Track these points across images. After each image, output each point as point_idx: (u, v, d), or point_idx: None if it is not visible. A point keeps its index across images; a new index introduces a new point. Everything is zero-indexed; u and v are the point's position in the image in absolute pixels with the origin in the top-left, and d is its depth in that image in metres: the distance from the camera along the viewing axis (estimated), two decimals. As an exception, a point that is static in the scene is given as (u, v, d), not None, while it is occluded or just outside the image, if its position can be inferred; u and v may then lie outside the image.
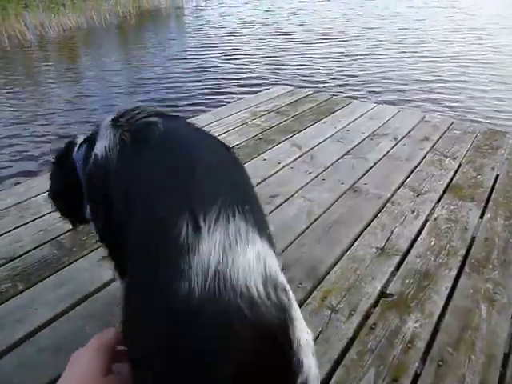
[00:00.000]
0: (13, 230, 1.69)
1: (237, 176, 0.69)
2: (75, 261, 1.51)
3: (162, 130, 0.73)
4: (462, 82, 5.33)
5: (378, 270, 1.47)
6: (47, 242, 1.61)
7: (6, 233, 1.67)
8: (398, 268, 1.49)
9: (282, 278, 0.51)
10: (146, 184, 0.64)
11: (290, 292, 0.51)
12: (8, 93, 5.17)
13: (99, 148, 0.79)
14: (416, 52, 6.78)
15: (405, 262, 1.52)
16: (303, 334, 0.49)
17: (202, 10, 14.92)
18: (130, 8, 13.15)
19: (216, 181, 0.61)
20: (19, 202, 1.87)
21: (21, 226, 1.71)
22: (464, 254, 1.56)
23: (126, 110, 0.85)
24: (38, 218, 1.75)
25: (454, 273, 1.47)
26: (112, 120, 0.83)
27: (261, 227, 0.54)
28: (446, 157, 2.33)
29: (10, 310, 1.30)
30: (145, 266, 0.53)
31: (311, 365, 0.50)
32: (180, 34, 10.12)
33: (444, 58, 6.37)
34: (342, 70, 5.86)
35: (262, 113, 2.96)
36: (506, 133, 2.72)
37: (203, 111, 3.60)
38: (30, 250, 1.57)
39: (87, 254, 1.54)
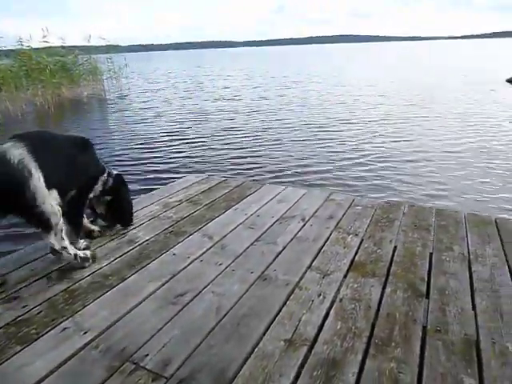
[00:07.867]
0: None
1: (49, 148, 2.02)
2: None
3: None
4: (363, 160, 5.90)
5: (286, 365, 1.44)
6: None
7: None
8: (306, 359, 1.48)
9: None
10: None
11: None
12: None
13: None
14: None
15: (312, 352, 1.51)
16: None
17: (123, 99, 15.31)
18: (49, 97, 13.14)
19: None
20: None
21: None
22: (368, 335, 1.60)
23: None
24: None
25: (359, 356, 1.48)
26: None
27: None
28: (349, 234, 2.48)
29: None
30: None
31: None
32: (100, 123, 10.18)
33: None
34: (257, 156, 6.23)
35: (175, 203, 2.98)
36: (401, 204, 2.99)
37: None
38: None
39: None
